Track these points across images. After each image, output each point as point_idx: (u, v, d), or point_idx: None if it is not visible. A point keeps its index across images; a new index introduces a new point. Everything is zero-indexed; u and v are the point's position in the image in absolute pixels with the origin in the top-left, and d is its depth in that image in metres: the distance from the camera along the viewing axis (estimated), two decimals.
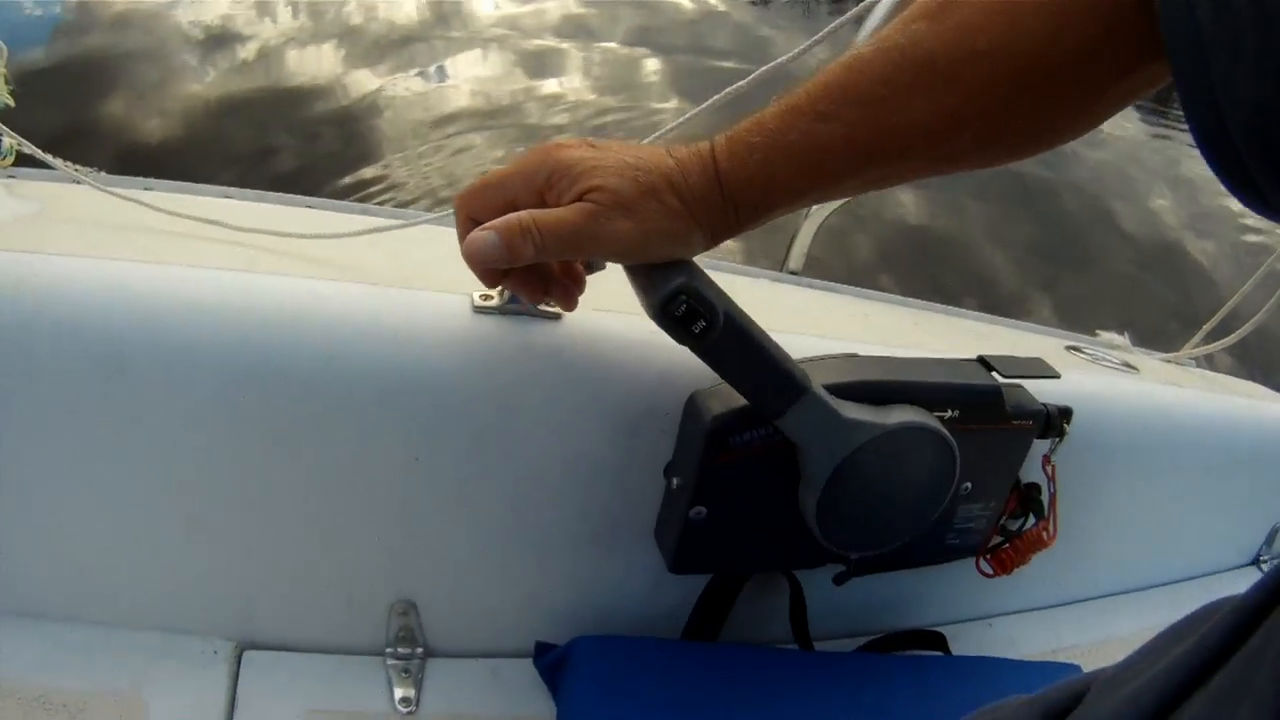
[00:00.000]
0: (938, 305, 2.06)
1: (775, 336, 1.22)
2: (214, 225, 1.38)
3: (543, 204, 0.99)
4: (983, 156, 0.97)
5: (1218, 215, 8.19)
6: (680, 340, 1.05)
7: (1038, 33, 0.85)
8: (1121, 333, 2.18)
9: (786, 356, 1.11)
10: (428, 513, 1.36)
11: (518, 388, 1.25)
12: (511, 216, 0.99)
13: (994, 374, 1.33)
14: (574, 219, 0.96)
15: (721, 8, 12.38)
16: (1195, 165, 8.66)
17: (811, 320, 1.71)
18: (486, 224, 1.00)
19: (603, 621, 1.47)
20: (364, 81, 7.68)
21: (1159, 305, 6.87)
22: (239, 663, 1.39)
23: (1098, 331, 2.21)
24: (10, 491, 1.30)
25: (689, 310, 1.01)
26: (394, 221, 1.48)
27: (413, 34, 8.97)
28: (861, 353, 1.30)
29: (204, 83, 7.34)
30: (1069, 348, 1.98)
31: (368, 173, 6.24)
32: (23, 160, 1.57)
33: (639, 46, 9.78)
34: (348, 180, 6.08)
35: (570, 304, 1.17)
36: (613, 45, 9.80)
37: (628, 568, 1.45)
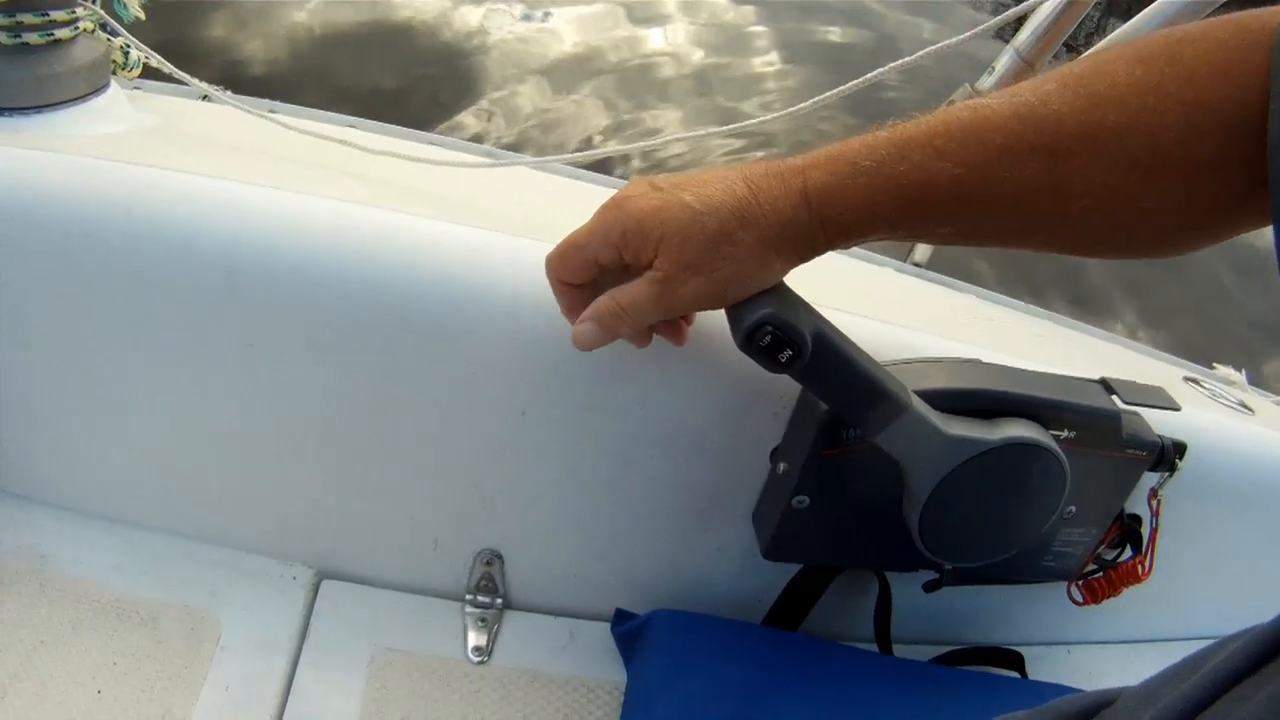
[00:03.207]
0: (1062, 318, 2.02)
1: (901, 332, 1.21)
2: (340, 145, 1.40)
3: (622, 260, 1.01)
4: (1080, 236, 0.96)
5: None
6: (769, 369, 1.03)
7: (1172, 124, 0.84)
8: (1239, 369, 2.12)
9: (884, 376, 1.08)
10: (527, 467, 1.36)
11: (633, 354, 1.22)
12: (600, 303, 1.04)
13: (1115, 398, 1.30)
14: (649, 292, 0.99)
15: None
16: None
17: (936, 318, 1.68)
18: (583, 315, 1.05)
19: (685, 597, 1.46)
20: (468, 18, 7.66)
21: (1247, 320, 6.76)
22: (316, 591, 1.41)
23: (1215, 365, 2.15)
24: (111, 397, 1.33)
25: (774, 340, 1.00)
26: (523, 157, 1.49)
27: None
28: (985, 359, 1.28)
29: (307, 9, 7.36)
30: (1187, 379, 1.94)
31: (466, 116, 6.24)
32: (148, 73, 1.60)
33: (746, 4, 9.64)
34: (446, 122, 6.09)
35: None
36: (720, 1, 9.69)
37: (719, 547, 1.44)
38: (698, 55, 8.13)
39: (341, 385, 1.30)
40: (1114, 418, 1.27)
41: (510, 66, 7.00)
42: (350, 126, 1.63)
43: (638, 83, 7.23)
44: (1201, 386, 1.91)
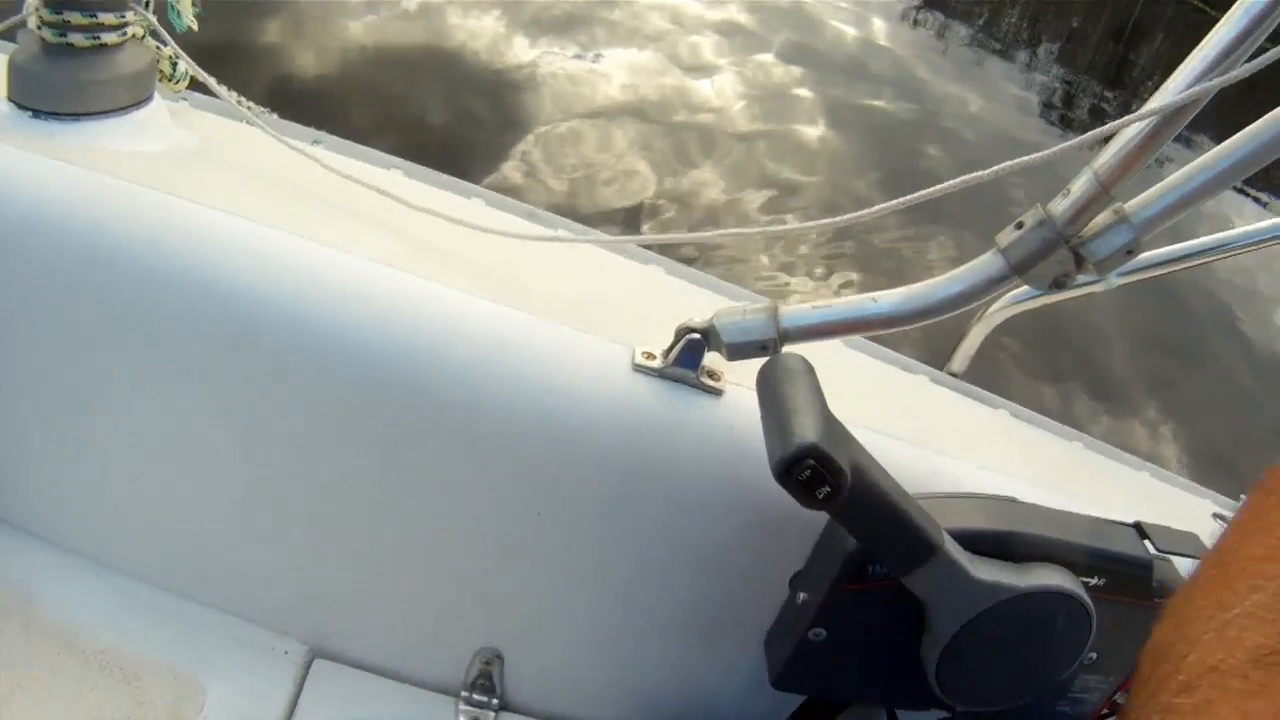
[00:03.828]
0: (1093, 440, 1.97)
1: (938, 460, 1.19)
2: (380, 195, 1.34)
3: None
4: None
5: None
6: (802, 503, 0.98)
7: None
8: None
9: (918, 515, 1.05)
10: (537, 568, 1.34)
11: (663, 460, 1.20)
12: None
13: (1148, 543, 1.27)
14: None
15: (882, 41, 12.33)
16: None
17: (972, 440, 1.66)
18: None
19: (687, 714, 1.44)
20: (520, 52, 7.73)
21: (1272, 424, 6.75)
22: (308, 669, 1.38)
23: (1242, 496, 2.12)
24: (113, 435, 1.30)
25: (814, 475, 0.95)
26: (569, 235, 1.45)
27: (575, 12, 9.01)
28: (1019, 494, 1.25)
29: (364, 25, 7.41)
30: (1216, 515, 1.89)
31: (511, 156, 6.22)
32: (195, 84, 1.55)
33: (795, 64, 9.74)
34: (491, 161, 6.06)
35: None
36: (769, 58, 9.78)
37: (726, 668, 1.42)
38: (743, 110, 8.20)
39: (353, 457, 1.26)
40: (1146, 566, 1.25)
41: (558, 107, 7.04)
42: (395, 169, 1.59)
43: (682, 135, 7.27)
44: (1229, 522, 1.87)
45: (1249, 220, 1.46)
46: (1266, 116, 0.98)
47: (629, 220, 5.78)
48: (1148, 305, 7.54)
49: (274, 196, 1.36)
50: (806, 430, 0.95)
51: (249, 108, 1.51)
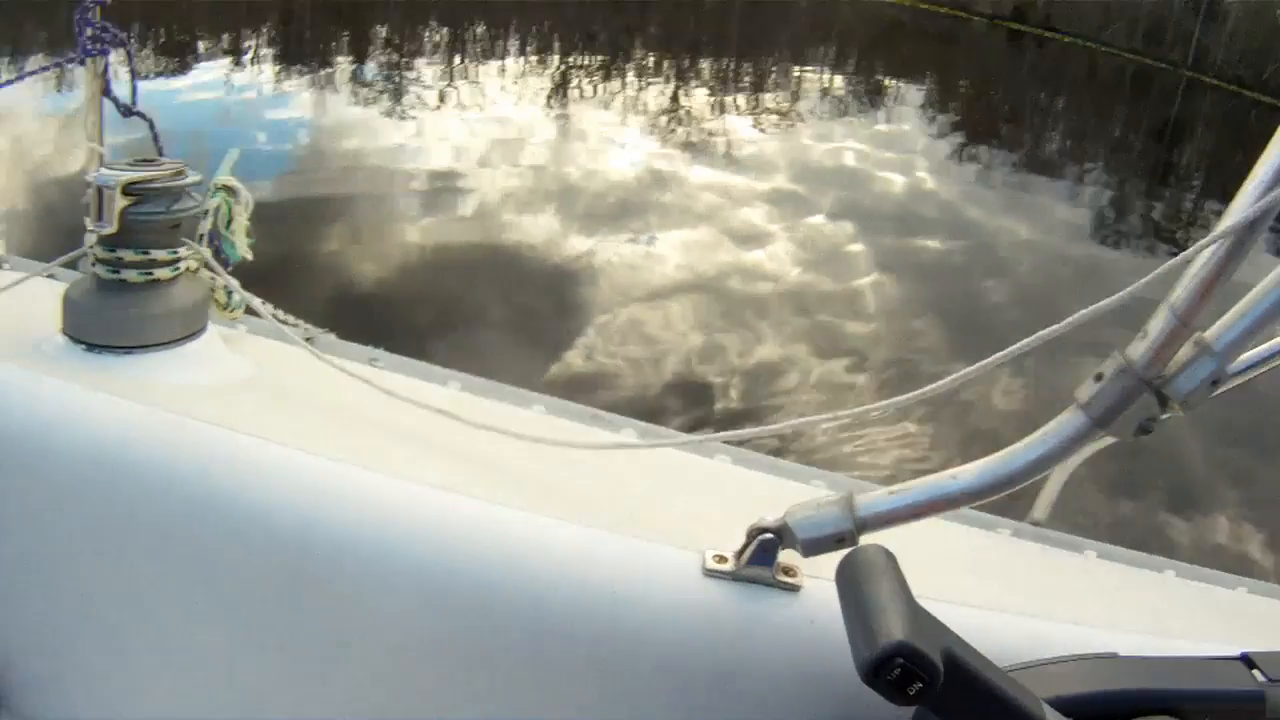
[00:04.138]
0: (1182, 565, 1.88)
1: (1028, 623, 1.17)
2: (441, 415, 1.31)
3: None
4: None
5: None
6: (894, 702, 0.93)
7: None
8: None
9: (1015, 690, 1.00)
10: None
11: (741, 664, 1.14)
12: None
13: (1257, 673, 1.19)
14: None
15: (930, 185, 12.59)
16: None
17: (1063, 595, 1.60)
18: None
19: None
20: (575, 245, 7.93)
21: None
22: None
23: None
24: (168, 671, 1.26)
25: (904, 673, 0.90)
26: (634, 440, 1.41)
27: (627, 199, 9.26)
28: (1118, 645, 1.19)
29: (421, 230, 7.60)
30: None
31: (572, 344, 6.29)
32: (250, 308, 1.56)
33: (845, 221, 9.94)
34: (551, 351, 6.12)
35: None
36: (819, 219, 9.97)
37: None
38: (799, 276, 8.32)
39: (418, 688, 1.19)
40: (1258, 698, 1.17)
41: (616, 295, 7.14)
42: (454, 382, 1.57)
43: (741, 311, 7.34)
44: None
45: None
46: None
47: (695, 407, 5.81)
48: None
49: (328, 423, 1.36)
50: (894, 628, 0.91)
51: (305, 330, 1.53)
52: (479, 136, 10.67)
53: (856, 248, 9.25)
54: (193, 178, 1.44)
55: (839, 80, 22.92)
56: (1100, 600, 1.63)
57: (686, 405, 5.78)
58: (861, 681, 0.91)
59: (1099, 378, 1.01)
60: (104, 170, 1.36)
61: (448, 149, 9.96)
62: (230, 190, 1.55)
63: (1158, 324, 0.98)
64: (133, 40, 1.57)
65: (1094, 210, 14.29)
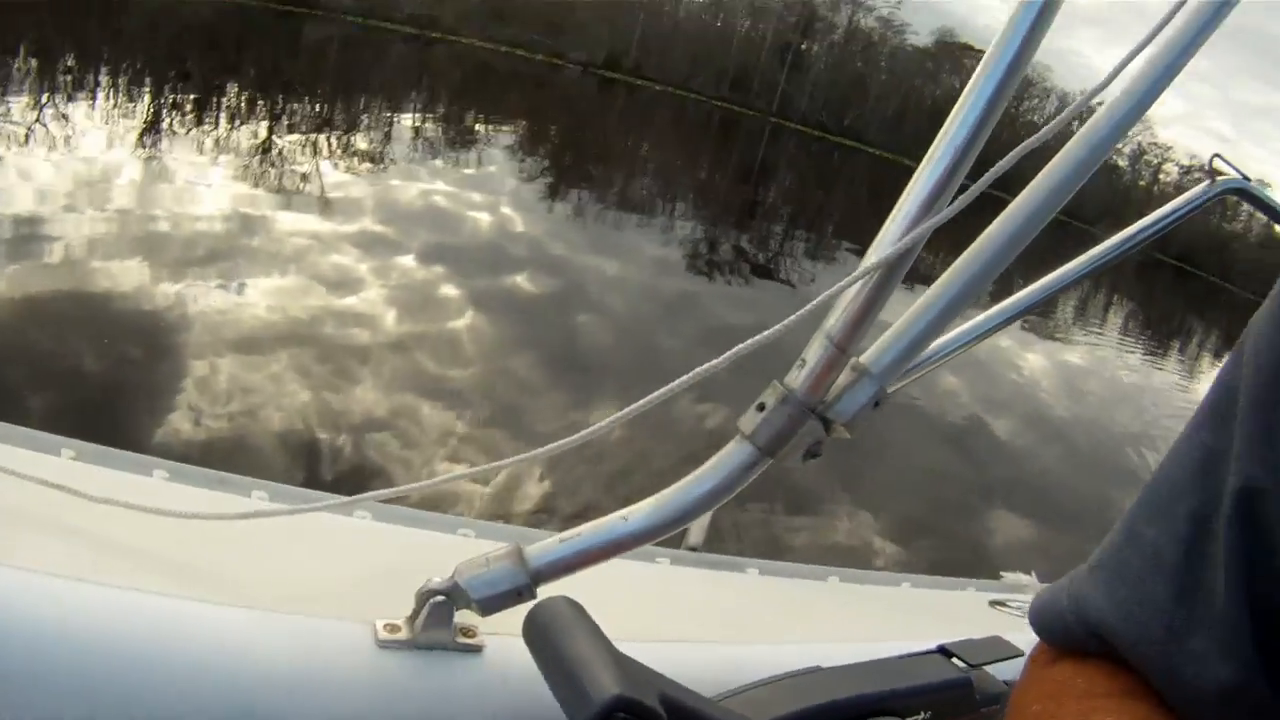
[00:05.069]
0: (846, 570, 1.93)
1: (727, 650, 1.20)
2: (58, 490, 1.14)
3: None
4: None
5: None
6: None
7: None
8: (1028, 572, 2.16)
9: (734, 717, 0.98)
10: None
11: None
12: None
13: (955, 661, 1.26)
14: None
15: (519, 228, 12.95)
16: None
17: (746, 618, 1.61)
18: None
19: None
20: (166, 293, 7.69)
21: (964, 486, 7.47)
22: None
23: (1002, 574, 2.18)
24: None
25: None
26: (275, 506, 1.29)
27: (216, 246, 9.15)
28: (819, 656, 1.22)
29: (4, 279, 7.32)
30: (993, 602, 1.88)
31: (173, 402, 6.04)
32: None
33: (436, 263, 10.14)
34: (154, 410, 5.86)
35: None
36: (409, 260, 10.15)
37: None
38: (394, 319, 8.38)
39: None
40: (965, 685, 1.23)
41: (214, 345, 6.96)
42: (66, 450, 1.37)
43: (340, 358, 7.32)
44: (1009, 608, 1.85)
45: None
46: (972, 245, 1.03)
47: (313, 465, 5.70)
48: None
49: None
50: (606, 682, 0.85)
51: None
52: (66, 177, 10.32)
53: (449, 290, 9.44)
54: None
55: (429, 123, 23.18)
56: (782, 615, 1.65)
57: (303, 464, 5.67)
58: None
59: (761, 407, 1.00)
60: None
61: (31, 191, 9.63)
62: None
63: (815, 352, 0.99)
64: None
65: (685, 246, 15.05)
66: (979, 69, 0.96)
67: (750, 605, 1.69)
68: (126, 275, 7.86)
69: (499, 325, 8.78)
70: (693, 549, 1.84)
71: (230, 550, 1.21)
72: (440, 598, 1.06)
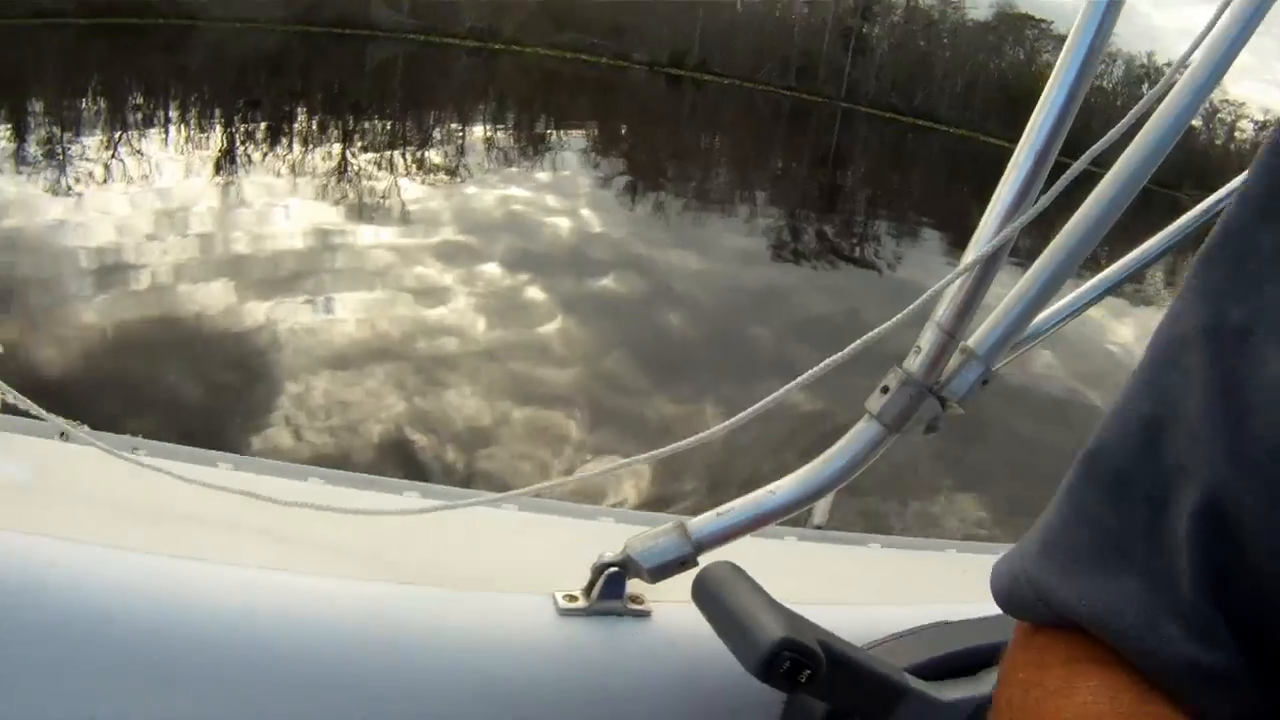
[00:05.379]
0: (965, 542, 2.02)
1: (861, 611, 1.26)
2: (248, 496, 1.23)
3: None
4: None
5: None
6: (785, 690, 1.04)
7: None
8: None
9: (880, 665, 1.11)
10: None
11: (611, 692, 1.17)
12: None
13: None
14: None
15: (597, 228, 12.93)
16: None
17: (883, 587, 1.68)
18: None
19: None
20: (255, 313, 7.76)
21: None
22: None
23: None
24: None
25: (793, 664, 0.98)
26: (448, 501, 1.35)
27: (301, 266, 9.20)
28: (942, 615, 1.31)
29: (96, 309, 7.31)
30: None
31: (269, 412, 6.15)
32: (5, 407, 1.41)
33: (520, 270, 10.11)
34: (253, 426, 5.97)
35: None
36: (493, 268, 10.13)
37: None
38: (483, 327, 8.38)
39: None
40: None
41: (306, 362, 7.00)
42: (224, 464, 1.46)
43: (433, 369, 7.28)
44: None
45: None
46: (1066, 226, 1.10)
47: (415, 471, 5.68)
48: None
49: (128, 519, 1.24)
50: (775, 627, 0.99)
51: (66, 424, 1.36)
52: (146, 210, 10.38)
53: (537, 294, 9.41)
54: None
55: (501, 133, 23.29)
56: (906, 581, 1.74)
57: (415, 471, 5.69)
58: (718, 685, 1.05)
59: (885, 390, 1.10)
60: None
61: (113, 224, 9.67)
62: None
63: (927, 339, 1.09)
64: None
65: (767, 236, 14.94)
66: (1058, 64, 1.01)
67: (876, 574, 1.76)
68: (214, 299, 7.95)
69: (589, 327, 8.73)
70: (818, 528, 1.91)
71: (408, 542, 1.31)
72: (614, 568, 1.17)
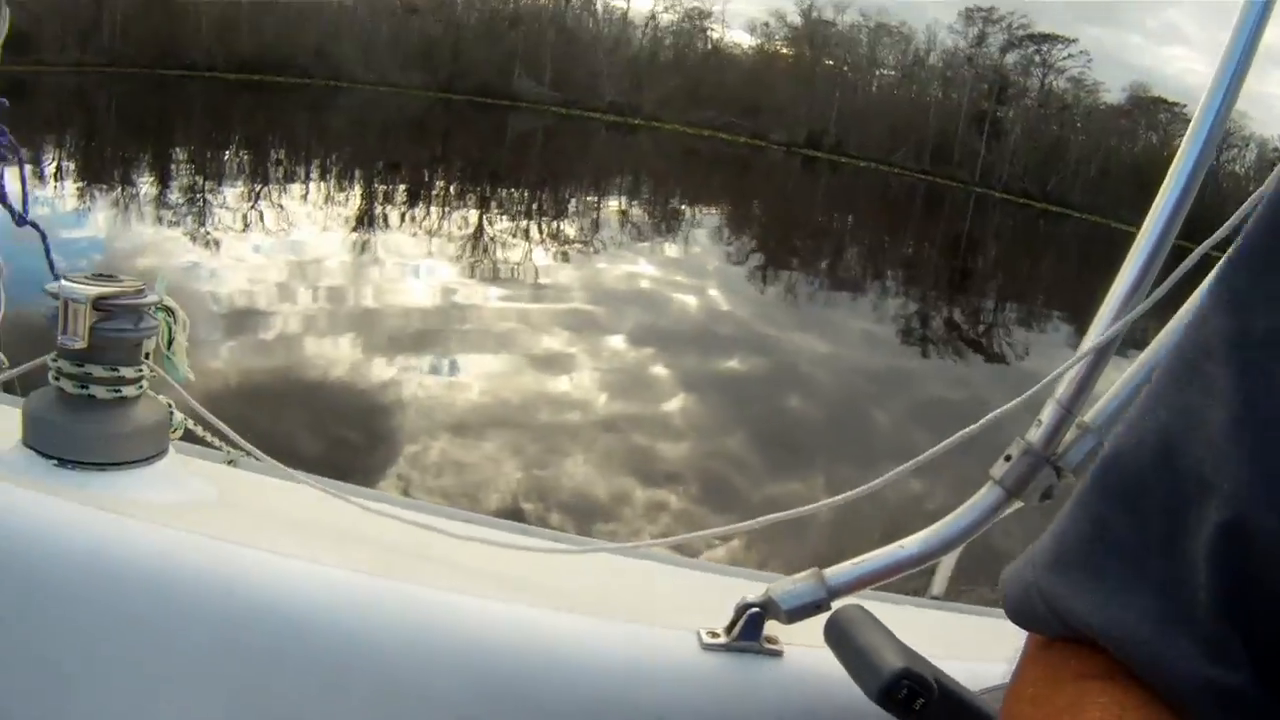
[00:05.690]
0: None
1: (974, 666, 1.25)
2: (427, 531, 1.37)
3: None
4: None
5: None
6: (902, 717, 1.08)
7: None
8: None
9: (984, 704, 1.14)
10: None
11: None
12: None
13: None
14: None
15: (725, 306, 12.93)
16: None
17: (993, 645, 1.57)
18: None
19: None
20: (380, 373, 7.88)
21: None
22: None
23: None
24: None
25: (910, 692, 1.05)
26: (607, 544, 1.57)
27: (428, 327, 9.33)
28: None
29: (222, 360, 7.51)
30: None
31: (388, 472, 6.22)
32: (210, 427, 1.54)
33: (645, 345, 10.12)
34: (369, 479, 5.87)
35: None
36: (619, 341, 10.17)
37: None
38: (605, 400, 8.39)
39: None
40: None
41: (426, 424, 7.06)
42: (384, 502, 1.54)
43: (552, 437, 7.31)
44: None
45: None
46: (1176, 314, 1.11)
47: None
48: None
49: (318, 538, 1.37)
50: (896, 658, 1.07)
51: (250, 454, 1.54)
52: (281, 262, 10.61)
53: (660, 370, 9.42)
54: (152, 297, 1.41)
55: (636, 207, 23.47)
56: (1014, 643, 1.73)
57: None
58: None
59: (1008, 458, 1.18)
60: (66, 283, 1.33)
61: (246, 273, 9.87)
62: (169, 311, 1.54)
63: (1048, 414, 1.17)
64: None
65: (895, 321, 14.81)
66: (1177, 156, 1.09)
67: (986, 635, 1.67)
68: (341, 353, 8.03)
69: (710, 405, 8.69)
70: (935, 598, 1.93)
71: (560, 577, 1.42)
72: (755, 609, 1.23)
